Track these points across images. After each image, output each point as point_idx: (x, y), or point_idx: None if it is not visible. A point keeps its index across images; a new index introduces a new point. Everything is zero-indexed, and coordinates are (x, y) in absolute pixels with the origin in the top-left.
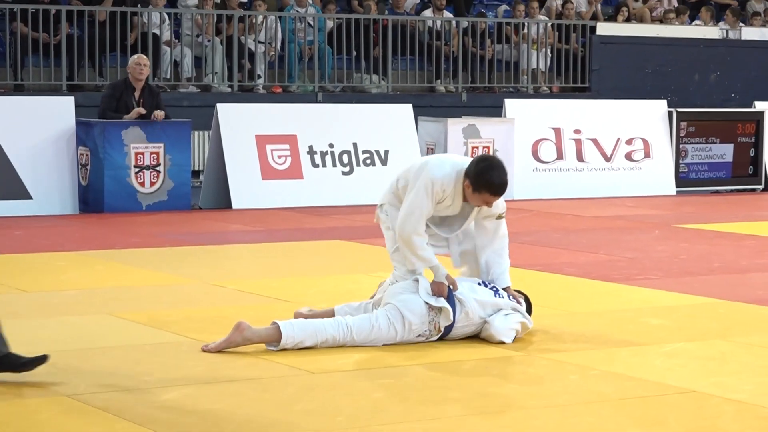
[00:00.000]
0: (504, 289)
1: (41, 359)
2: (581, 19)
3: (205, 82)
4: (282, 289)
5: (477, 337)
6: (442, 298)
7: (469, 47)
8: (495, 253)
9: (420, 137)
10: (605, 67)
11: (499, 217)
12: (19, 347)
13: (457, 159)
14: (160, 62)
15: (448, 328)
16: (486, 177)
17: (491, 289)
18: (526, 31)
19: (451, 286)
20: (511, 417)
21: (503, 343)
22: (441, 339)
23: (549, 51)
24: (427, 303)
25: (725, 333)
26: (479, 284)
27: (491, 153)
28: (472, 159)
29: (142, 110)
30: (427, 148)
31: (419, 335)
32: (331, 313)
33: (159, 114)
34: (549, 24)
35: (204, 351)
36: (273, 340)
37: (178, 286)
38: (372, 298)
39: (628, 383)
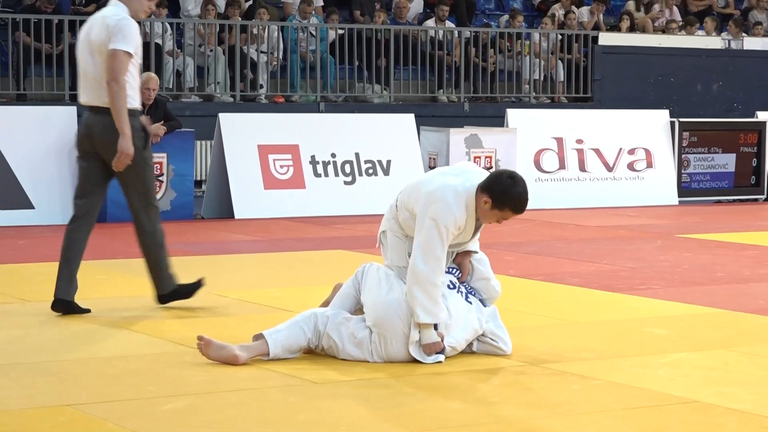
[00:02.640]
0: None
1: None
2: (583, 29)
3: (207, 91)
4: (284, 299)
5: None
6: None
7: (472, 57)
8: None
9: (422, 147)
10: (607, 77)
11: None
12: (19, 356)
13: (458, 182)
14: (162, 72)
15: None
16: (512, 194)
17: (460, 293)
18: (528, 41)
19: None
20: (514, 427)
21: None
22: None
23: (551, 61)
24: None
25: (728, 343)
26: (450, 287)
27: (493, 163)
28: (486, 173)
29: (163, 130)
30: (429, 158)
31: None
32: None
33: (155, 136)
34: (551, 34)
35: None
36: (263, 353)
37: None
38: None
39: (630, 393)
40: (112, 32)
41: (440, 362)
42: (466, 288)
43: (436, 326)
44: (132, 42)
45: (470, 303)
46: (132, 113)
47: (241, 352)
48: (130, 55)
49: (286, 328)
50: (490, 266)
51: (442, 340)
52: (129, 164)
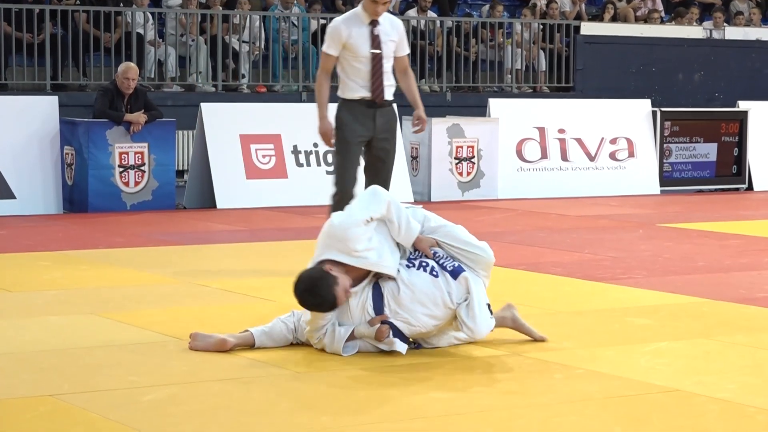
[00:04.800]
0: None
1: None
2: (565, 19)
3: (189, 81)
4: (266, 289)
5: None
6: (391, 341)
7: (454, 47)
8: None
9: (404, 137)
10: (589, 66)
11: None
12: (1, 347)
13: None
14: (144, 62)
15: (417, 344)
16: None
17: (423, 269)
18: (510, 31)
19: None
20: (495, 416)
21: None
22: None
23: (533, 51)
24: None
25: (709, 332)
26: (413, 267)
27: (476, 152)
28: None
29: (144, 118)
30: (411, 148)
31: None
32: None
33: (136, 125)
34: (533, 24)
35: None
36: (249, 343)
37: (162, 285)
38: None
39: (612, 382)
40: None
41: (415, 348)
42: (436, 262)
43: (385, 322)
44: None
45: (435, 276)
46: None
47: (229, 338)
48: None
49: (270, 324)
50: (464, 233)
51: (387, 326)
52: None
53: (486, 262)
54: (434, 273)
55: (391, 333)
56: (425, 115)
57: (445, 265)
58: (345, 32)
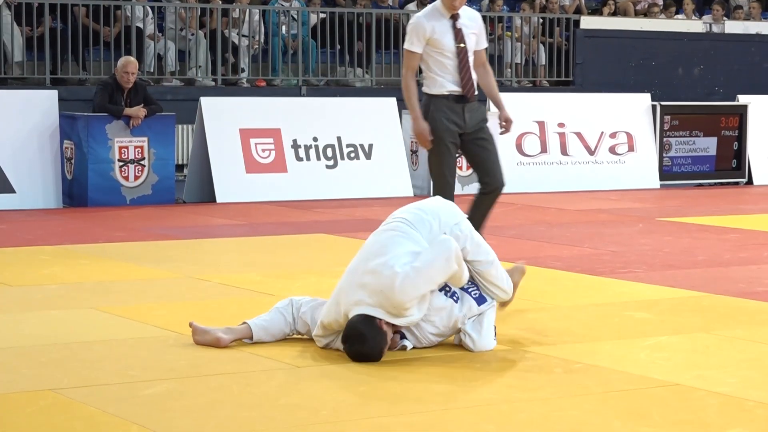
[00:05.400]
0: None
1: None
2: (565, 13)
3: (188, 75)
4: (266, 283)
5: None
6: (396, 342)
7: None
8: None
9: (404, 131)
10: (589, 60)
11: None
12: (0, 340)
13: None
14: (143, 56)
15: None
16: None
17: (445, 292)
18: (509, 24)
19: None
20: (495, 410)
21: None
22: None
23: (533, 45)
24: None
25: (709, 326)
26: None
27: None
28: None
29: (143, 112)
30: (411, 142)
31: None
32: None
33: (135, 119)
34: (533, 18)
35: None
36: (246, 336)
37: (162, 280)
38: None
39: (611, 376)
40: None
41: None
42: (463, 289)
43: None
44: None
45: (455, 301)
46: None
47: (225, 335)
48: None
49: (267, 315)
50: (495, 274)
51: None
52: None
53: (503, 300)
54: (455, 297)
55: (398, 337)
56: (509, 114)
57: (469, 290)
58: (428, 27)
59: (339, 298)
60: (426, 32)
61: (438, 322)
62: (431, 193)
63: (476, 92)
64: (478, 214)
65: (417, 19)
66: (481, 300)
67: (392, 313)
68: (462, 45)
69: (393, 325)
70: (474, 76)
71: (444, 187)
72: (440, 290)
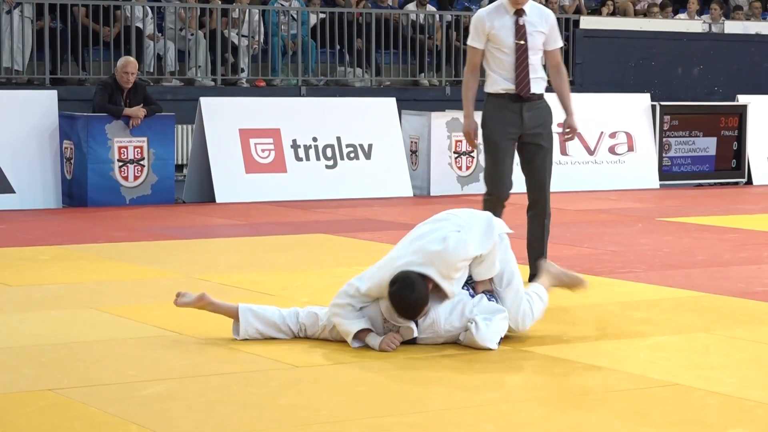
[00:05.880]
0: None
1: None
2: (565, 13)
3: (188, 75)
4: (265, 283)
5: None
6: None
7: (453, 41)
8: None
9: (404, 131)
10: (589, 60)
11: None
12: (0, 340)
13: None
14: (143, 56)
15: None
16: (394, 298)
17: (468, 291)
18: None
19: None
20: (495, 410)
21: (489, 348)
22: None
23: None
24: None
25: (708, 326)
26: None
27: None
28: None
29: (143, 112)
30: (411, 142)
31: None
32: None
33: (135, 119)
34: None
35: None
36: (232, 314)
37: (162, 280)
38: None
39: (611, 376)
40: None
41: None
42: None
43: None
44: None
45: (470, 295)
46: None
47: (209, 297)
48: None
49: (263, 306)
50: (517, 306)
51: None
52: None
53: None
54: (471, 293)
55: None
56: (574, 122)
57: (488, 296)
58: (488, 23)
59: (386, 265)
60: (485, 27)
61: (454, 320)
62: (485, 186)
63: (536, 91)
64: (531, 238)
65: (478, 14)
66: (496, 305)
67: (443, 274)
68: (522, 42)
69: (436, 290)
70: (535, 75)
71: (490, 190)
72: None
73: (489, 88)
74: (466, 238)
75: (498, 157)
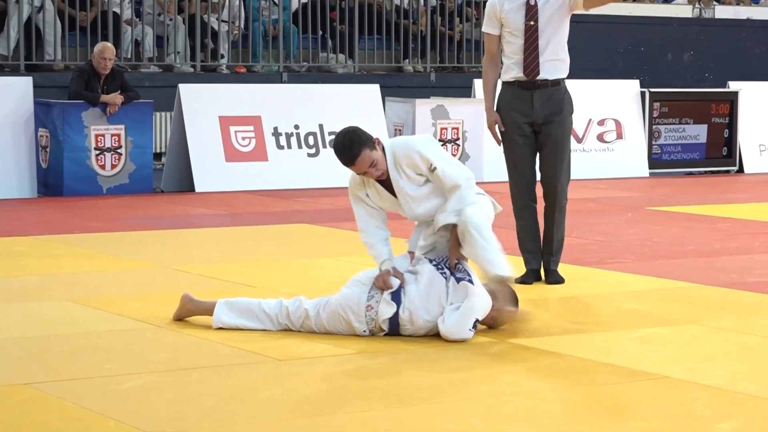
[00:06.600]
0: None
1: None
2: None
3: (167, 62)
4: (246, 274)
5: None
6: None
7: (438, 26)
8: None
9: (388, 118)
10: (576, 46)
11: (432, 170)
12: None
13: None
14: (120, 42)
15: (394, 327)
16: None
17: (443, 275)
18: None
19: (397, 282)
20: (482, 404)
21: (463, 339)
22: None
23: None
24: (368, 302)
25: (698, 317)
26: (433, 265)
27: (460, 134)
28: None
29: (120, 99)
30: (395, 130)
31: (363, 331)
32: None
33: (112, 106)
34: None
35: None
36: (208, 311)
37: (140, 271)
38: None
39: (599, 369)
40: None
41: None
42: (449, 271)
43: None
44: None
45: (445, 278)
46: None
47: (190, 296)
48: None
49: (240, 298)
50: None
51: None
52: None
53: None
54: (446, 276)
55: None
56: None
57: (456, 275)
58: (499, 6)
59: None
60: (497, 11)
61: (431, 306)
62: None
63: (548, 76)
64: (545, 231)
65: None
66: (462, 279)
67: (395, 156)
68: (532, 23)
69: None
70: (547, 57)
71: (513, 187)
72: (437, 268)
73: (502, 76)
74: (433, 148)
75: (511, 149)
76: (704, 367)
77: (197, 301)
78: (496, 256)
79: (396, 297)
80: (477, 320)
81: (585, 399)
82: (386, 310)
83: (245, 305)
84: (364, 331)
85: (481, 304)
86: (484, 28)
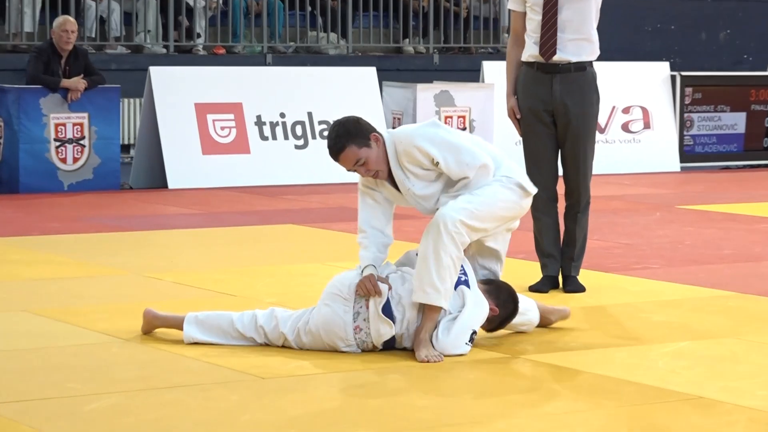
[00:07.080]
0: None
1: None
2: None
3: (136, 41)
4: (227, 282)
5: None
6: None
7: (442, 2)
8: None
9: (385, 105)
10: (600, 25)
11: (435, 164)
12: None
13: None
14: (84, 19)
15: (390, 343)
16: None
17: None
18: None
19: (386, 288)
20: (490, 428)
21: (459, 354)
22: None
23: None
24: (355, 323)
25: (737, 330)
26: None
27: (467, 123)
28: None
29: (84, 84)
30: (393, 118)
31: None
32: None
33: (75, 92)
34: None
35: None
36: (178, 325)
37: (106, 277)
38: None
39: (626, 388)
40: None
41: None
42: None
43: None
44: None
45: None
46: None
47: (153, 311)
48: None
49: (212, 312)
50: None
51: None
52: None
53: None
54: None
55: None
56: None
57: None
58: None
59: None
60: None
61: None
62: None
63: (569, 57)
64: (565, 235)
65: None
66: (459, 283)
67: (398, 150)
68: None
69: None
70: (571, 36)
71: (531, 173)
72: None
73: (522, 56)
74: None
75: (529, 139)
76: (743, 386)
77: (162, 316)
78: (435, 281)
79: (388, 310)
80: (474, 332)
81: (608, 423)
82: (384, 330)
83: (215, 322)
84: (356, 351)
85: (478, 313)
86: (509, 5)
